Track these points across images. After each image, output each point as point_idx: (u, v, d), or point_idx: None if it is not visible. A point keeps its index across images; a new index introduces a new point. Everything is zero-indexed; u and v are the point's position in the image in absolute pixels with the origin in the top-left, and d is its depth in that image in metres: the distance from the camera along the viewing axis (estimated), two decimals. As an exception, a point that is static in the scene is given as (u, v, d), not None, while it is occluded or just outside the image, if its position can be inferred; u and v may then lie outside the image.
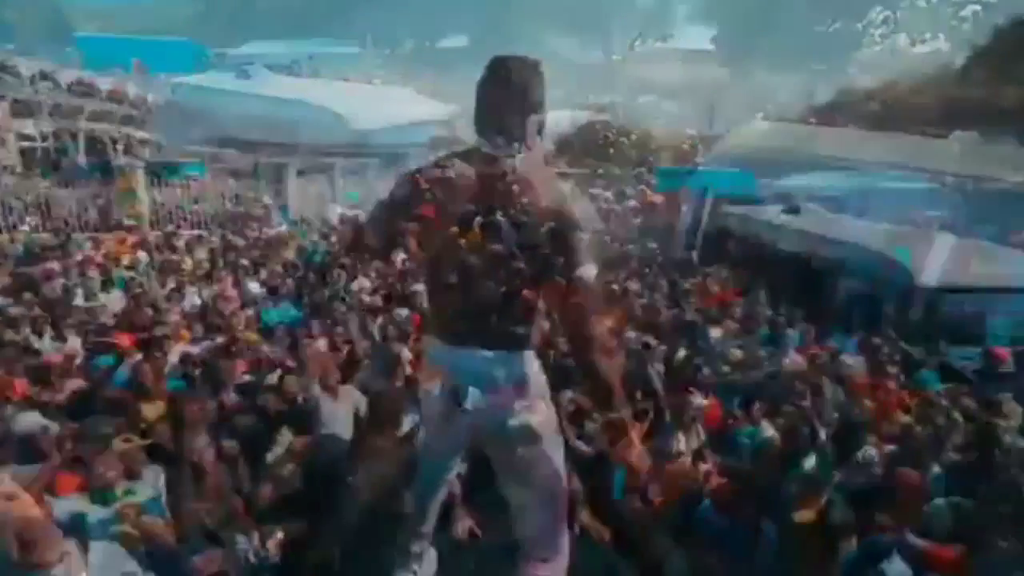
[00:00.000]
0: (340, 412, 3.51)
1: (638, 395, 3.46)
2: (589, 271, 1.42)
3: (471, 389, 1.48)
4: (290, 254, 9.14)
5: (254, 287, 6.82)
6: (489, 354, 1.48)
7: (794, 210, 9.34)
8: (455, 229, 1.42)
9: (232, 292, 6.30)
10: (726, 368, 4.23)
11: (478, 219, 1.41)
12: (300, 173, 15.72)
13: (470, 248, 1.41)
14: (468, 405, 1.48)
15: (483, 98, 1.49)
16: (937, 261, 5.46)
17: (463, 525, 2.33)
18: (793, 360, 4.31)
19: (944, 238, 8.81)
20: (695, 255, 9.03)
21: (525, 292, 1.45)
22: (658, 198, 22.44)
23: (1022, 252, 6.89)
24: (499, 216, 1.40)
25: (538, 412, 1.53)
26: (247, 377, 4.07)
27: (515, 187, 1.41)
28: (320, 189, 16.49)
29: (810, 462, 2.67)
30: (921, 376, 4.11)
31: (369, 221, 1.61)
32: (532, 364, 1.54)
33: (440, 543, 2.11)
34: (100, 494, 2.45)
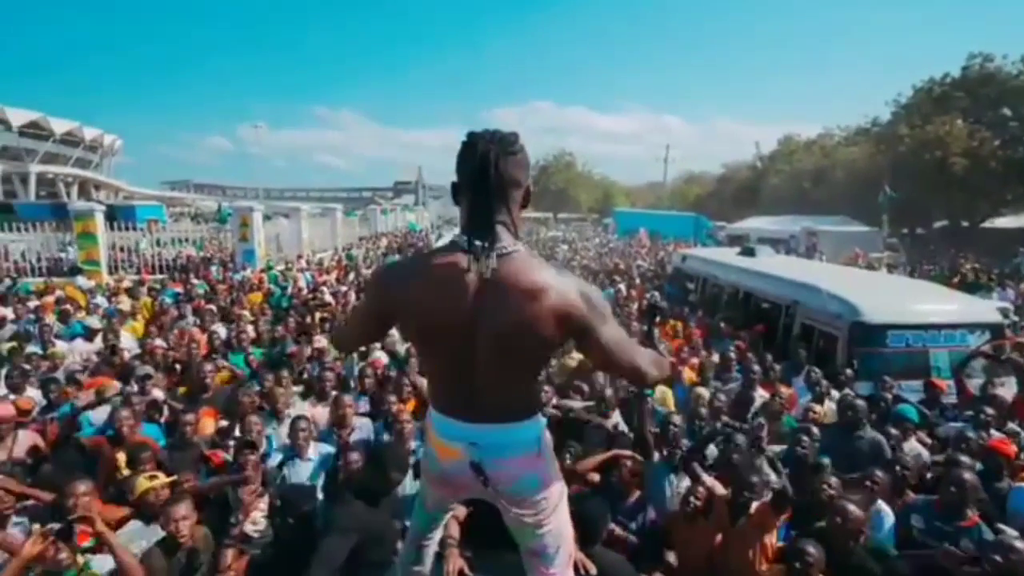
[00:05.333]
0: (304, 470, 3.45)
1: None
2: (616, 339, 1.42)
3: (491, 461, 1.46)
4: (257, 297, 9.02)
5: (222, 331, 6.71)
6: (502, 426, 1.45)
7: (749, 252, 9.85)
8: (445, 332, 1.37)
9: (200, 337, 6.17)
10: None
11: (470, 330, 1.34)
12: (267, 217, 15.63)
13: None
14: (491, 475, 1.47)
15: (460, 182, 1.40)
16: (882, 299, 5.87)
17: (453, 565, 2.35)
18: (761, 395, 4.53)
19: (887, 277, 9.49)
20: (658, 296, 9.31)
21: (531, 365, 1.47)
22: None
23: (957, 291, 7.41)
24: (494, 324, 1.32)
25: (548, 468, 1.56)
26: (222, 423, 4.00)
27: (510, 293, 1.31)
28: (285, 233, 16.39)
29: None
30: (900, 411, 4.11)
31: (353, 328, 1.72)
32: (541, 425, 1.54)
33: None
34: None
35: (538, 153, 57.90)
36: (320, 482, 3.39)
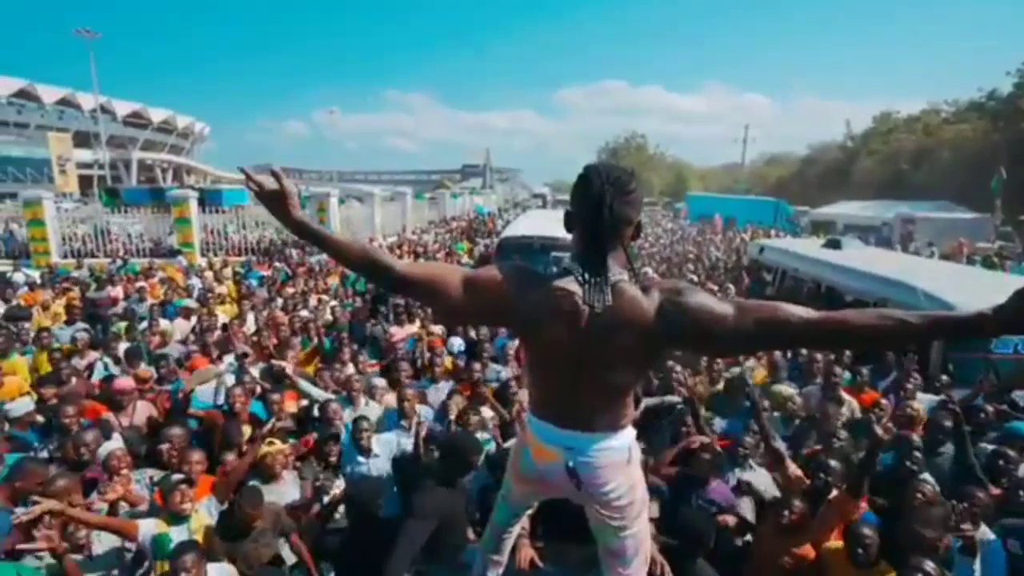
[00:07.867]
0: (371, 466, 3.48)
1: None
2: (743, 314, 1.34)
3: (586, 466, 1.54)
4: (333, 280, 9.44)
5: (304, 314, 7.08)
6: (598, 435, 1.53)
7: (834, 244, 9.23)
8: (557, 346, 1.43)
9: (284, 318, 6.56)
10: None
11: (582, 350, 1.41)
12: (341, 201, 16.30)
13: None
14: (584, 479, 1.56)
15: (574, 214, 1.45)
16: (986, 299, 5.36)
17: (524, 555, 2.45)
18: (845, 400, 4.28)
19: (990, 274, 8.59)
20: (732, 289, 8.97)
21: (628, 387, 1.52)
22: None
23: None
24: (600, 351, 1.40)
25: (636, 477, 1.63)
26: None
27: (615, 325, 1.37)
28: (359, 216, 17.04)
29: None
30: (1015, 428, 3.75)
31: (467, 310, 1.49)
32: (632, 436, 1.61)
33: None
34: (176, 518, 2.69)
35: (608, 135, 56.73)
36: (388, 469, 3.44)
